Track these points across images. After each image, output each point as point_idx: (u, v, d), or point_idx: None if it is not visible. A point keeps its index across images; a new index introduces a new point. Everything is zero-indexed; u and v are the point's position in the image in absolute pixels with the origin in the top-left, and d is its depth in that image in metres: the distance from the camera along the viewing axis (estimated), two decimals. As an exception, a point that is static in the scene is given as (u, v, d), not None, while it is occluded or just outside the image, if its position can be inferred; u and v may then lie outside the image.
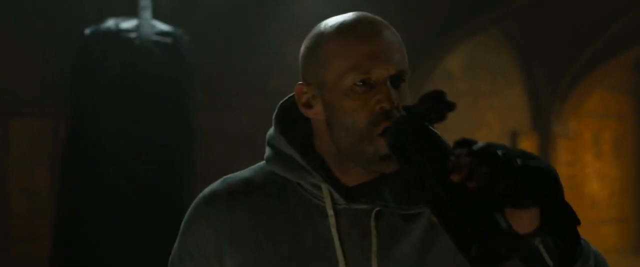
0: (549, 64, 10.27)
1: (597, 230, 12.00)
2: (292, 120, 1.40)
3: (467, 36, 8.62)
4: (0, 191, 5.58)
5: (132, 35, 3.03)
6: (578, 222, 1.20)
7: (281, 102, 1.42)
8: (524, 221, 1.12)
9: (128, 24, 3.06)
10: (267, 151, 1.40)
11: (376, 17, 1.37)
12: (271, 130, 1.41)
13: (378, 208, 1.32)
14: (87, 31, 3.05)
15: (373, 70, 1.30)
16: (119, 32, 3.02)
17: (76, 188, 3.04)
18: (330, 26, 1.34)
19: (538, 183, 1.10)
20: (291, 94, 1.41)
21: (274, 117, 1.41)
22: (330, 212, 1.33)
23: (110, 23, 3.07)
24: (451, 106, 1.19)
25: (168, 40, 3.09)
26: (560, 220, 1.20)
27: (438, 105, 1.19)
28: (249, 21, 6.70)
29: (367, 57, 1.30)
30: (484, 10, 8.18)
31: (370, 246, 1.32)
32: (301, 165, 1.35)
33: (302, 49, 1.38)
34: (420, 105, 1.20)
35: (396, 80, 1.33)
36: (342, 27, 1.33)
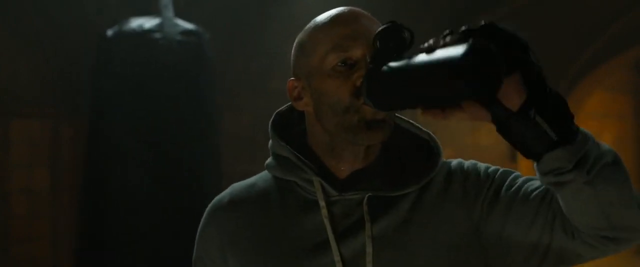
0: (549, 64, 10.23)
1: (597, 230, 12.01)
2: (288, 125, 1.50)
3: (467, 36, 8.63)
4: (0, 191, 5.58)
5: (157, 35, 3.02)
6: (563, 100, 1.30)
7: (277, 110, 1.52)
8: (510, 91, 1.23)
9: (151, 23, 3.05)
10: (268, 159, 1.49)
11: (360, 10, 1.44)
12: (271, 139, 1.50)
13: (369, 194, 1.39)
14: (110, 32, 3.04)
15: (352, 50, 1.37)
16: (142, 32, 3.01)
17: (98, 189, 3.04)
18: (315, 21, 1.44)
19: (507, 47, 1.20)
20: (288, 103, 1.51)
21: (270, 123, 1.50)
22: (322, 203, 1.39)
23: (133, 23, 3.06)
24: (408, 36, 1.37)
25: (192, 39, 3.08)
26: (544, 91, 1.30)
27: (396, 37, 1.35)
28: (249, 21, 6.70)
29: (346, 37, 1.38)
30: (483, 10, 8.19)
31: (364, 230, 1.37)
32: (295, 163, 1.42)
33: (293, 47, 1.48)
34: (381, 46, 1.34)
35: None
36: (324, 18, 1.43)
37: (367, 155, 1.42)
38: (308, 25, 1.45)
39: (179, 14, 4.38)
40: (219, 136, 3.19)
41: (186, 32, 3.10)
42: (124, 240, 2.98)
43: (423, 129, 1.48)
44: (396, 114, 1.44)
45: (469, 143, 9.61)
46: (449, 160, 1.48)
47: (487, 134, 9.99)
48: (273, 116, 1.51)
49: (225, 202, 1.49)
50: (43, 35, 5.69)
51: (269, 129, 1.48)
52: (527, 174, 1.41)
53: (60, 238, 5.79)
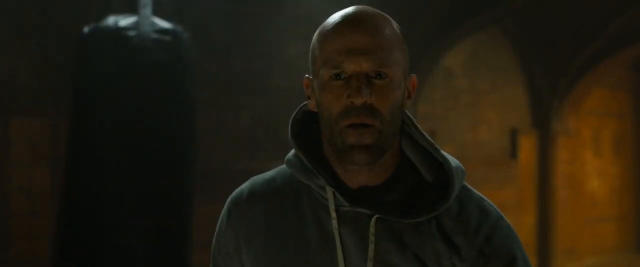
0: (549, 62, 10.27)
1: (596, 228, 12.00)
2: (305, 125, 1.46)
3: (467, 34, 8.63)
4: (0, 189, 5.59)
5: (131, 33, 3.01)
6: None
7: (301, 105, 1.47)
8: None
9: (127, 21, 3.04)
10: (289, 154, 1.46)
11: (370, 12, 1.37)
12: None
13: (377, 215, 1.36)
14: (86, 29, 3.04)
15: (344, 65, 1.32)
16: (118, 30, 3.00)
17: (77, 188, 3.03)
18: (324, 23, 1.39)
19: None
20: None
21: (290, 120, 1.46)
22: (333, 214, 1.37)
23: (109, 21, 3.06)
24: None
25: (167, 37, 3.07)
26: None
27: None
28: (249, 20, 6.70)
29: (340, 51, 1.32)
30: (484, 8, 8.18)
31: (367, 251, 1.36)
32: (308, 168, 1.40)
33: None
34: None
35: (372, 76, 1.33)
36: (329, 23, 1.37)
37: (376, 172, 1.38)
38: (321, 25, 1.40)
39: (177, 14, 4.38)
40: (197, 134, 3.17)
41: (162, 31, 3.08)
42: (101, 237, 2.98)
43: (440, 151, 1.41)
44: (417, 131, 1.40)
45: (469, 139, 9.61)
46: (474, 192, 1.44)
47: (488, 130, 10.00)
48: (294, 113, 1.47)
49: (244, 197, 1.48)
50: (43, 33, 5.69)
51: (289, 127, 1.45)
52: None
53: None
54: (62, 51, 5.74)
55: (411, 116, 1.42)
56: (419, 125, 1.42)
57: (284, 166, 1.48)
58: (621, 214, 12.88)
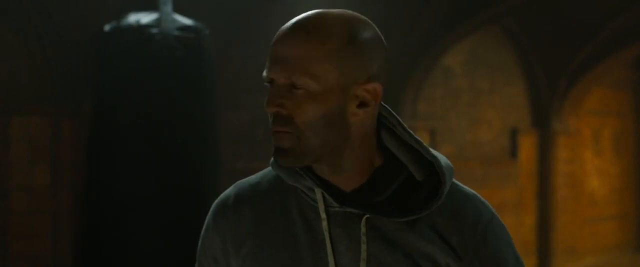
0: (549, 61, 10.27)
1: (597, 227, 12.00)
2: None
3: (467, 33, 8.62)
4: (0, 188, 5.59)
5: (153, 30, 3.00)
6: None
7: None
8: None
9: (148, 18, 3.02)
10: (273, 158, 1.44)
11: (312, 19, 1.35)
12: None
13: (367, 215, 1.35)
14: (107, 27, 3.02)
15: (270, 72, 1.35)
16: (139, 28, 2.98)
17: (98, 185, 3.02)
18: None
19: None
20: None
21: None
22: (323, 215, 1.37)
23: (131, 18, 3.04)
24: None
25: (190, 35, 3.06)
26: None
27: None
28: (248, 19, 6.70)
29: (269, 58, 1.36)
30: (483, 7, 8.18)
31: (360, 252, 1.36)
32: (294, 170, 1.39)
33: None
34: None
35: (294, 86, 1.33)
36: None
37: (346, 176, 1.38)
38: None
39: (179, 11, 4.37)
40: (218, 131, 3.17)
41: (184, 28, 3.07)
42: (123, 236, 2.97)
43: (430, 150, 1.40)
44: (404, 130, 1.39)
45: (469, 138, 9.61)
46: (465, 190, 1.43)
47: (488, 129, 10.00)
48: None
49: (230, 203, 1.47)
50: (43, 32, 5.69)
51: None
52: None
53: (60, 235, 5.80)
54: (62, 50, 5.74)
55: (396, 116, 1.41)
56: (405, 124, 1.41)
57: (269, 169, 1.48)
58: (621, 213, 12.88)
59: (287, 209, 1.42)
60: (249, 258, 1.42)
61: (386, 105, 1.42)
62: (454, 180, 1.43)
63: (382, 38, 1.38)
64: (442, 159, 1.41)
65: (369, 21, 1.38)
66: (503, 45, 10.14)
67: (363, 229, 1.36)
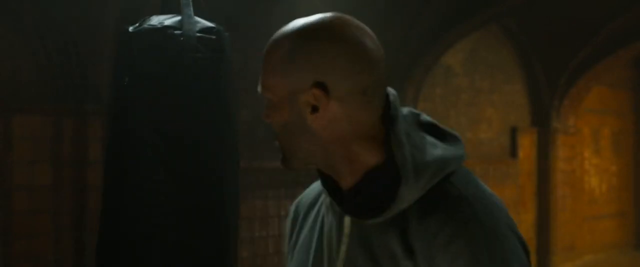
0: (549, 60, 10.29)
1: (596, 225, 12.03)
2: None
3: (467, 32, 8.64)
4: (2, 187, 5.60)
5: (177, 32, 3.02)
6: None
7: None
8: None
9: (171, 20, 3.05)
10: None
11: (288, 29, 1.41)
12: None
13: (348, 217, 1.40)
14: (131, 28, 3.04)
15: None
16: (163, 29, 3.01)
17: (120, 187, 3.03)
18: None
19: None
20: None
21: None
22: (329, 215, 1.45)
23: (153, 20, 3.07)
24: None
25: (211, 36, 3.08)
26: None
27: None
28: (250, 17, 6.72)
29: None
30: (483, 6, 8.20)
31: (340, 251, 1.40)
32: (319, 171, 1.47)
33: None
34: None
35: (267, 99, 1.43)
36: None
37: (338, 177, 1.41)
38: None
39: (179, 12, 4.38)
40: (238, 133, 3.20)
41: (206, 30, 3.10)
42: (141, 236, 2.99)
43: (400, 151, 1.36)
44: (398, 129, 1.37)
45: (469, 137, 9.63)
46: (458, 190, 1.35)
47: (487, 128, 10.02)
48: None
49: (298, 201, 1.59)
50: (45, 31, 5.71)
51: None
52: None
53: (61, 234, 5.81)
54: (64, 49, 5.76)
55: (400, 114, 1.40)
56: (403, 125, 1.39)
57: None
58: (620, 211, 12.91)
59: (319, 208, 1.50)
60: (293, 249, 1.54)
61: (394, 102, 1.41)
62: (458, 178, 1.38)
63: (348, 39, 1.36)
64: (431, 155, 1.37)
65: (329, 25, 1.38)
66: (503, 44, 10.16)
67: (346, 230, 1.39)
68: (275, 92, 1.39)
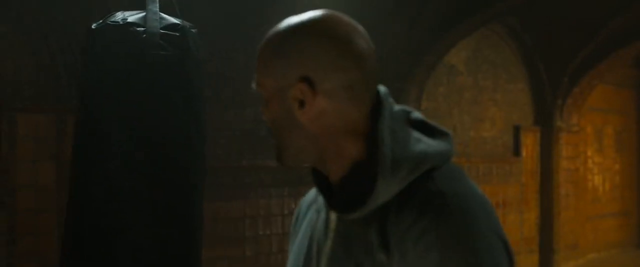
0: (552, 59, 10.28)
1: (599, 224, 12.02)
2: None
3: (468, 32, 8.64)
4: (6, 185, 5.61)
5: (139, 28, 3.01)
6: None
7: None
8: None
9: (135, 17, 3.04)
10: None
11: (281, 26, 1.43)
12: None
13: (331, 212, 1.43)
14: (94, 25, 3.04)
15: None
16: (126, 26, 3.00)
17: (83, 185, 3.03)
18: None
19: None
20: None
21: None
22: (321, 210, 1.48)
23: (117, 16, 3.06)
24: None
25: (176, 33, 3.07)
26: None
27: None
28: (252, 16, 6.72)
29: None
30: (486, 5, 8.19)
31: (325, 247, 1.42)
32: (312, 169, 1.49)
33: None
34: None
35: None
36: None
37: (328, 171, 1.42)
38: None
39: (180, 12, 4.39)
40: (205, 130, 3.17)
41: (170, 26, 3.08)
42: (106, 231, 2.97)
43: (381, 146, 1.35)
44: (380, 124, 1.36)
45: (472, 136, 9.63)
46: (440, 185, 1.33)
47: (491, 127, 10.01)
48: None
49: (302, 200, 1.63)
50: (47, 30, 5.72)
51: None
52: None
53: (65, 232, 5.82)
54: (68, 48, 5.77)
55: (389, 110, 1.40)
56: (389, 122, 1.38)
57: None
58: (623, 210, 12.90)
59: (316, 206, 1.52)
60: (290, 248, 1.58)
61: (384, 99, 1.40)
62: (453, 176, 1.36)
63: (336, 35, 1.37)
64: (416, 148, 1.36)
65: (318, 21, 1.39)
66: (506, 43, 10.15)
67: (332, 226, 1.41)
68: (266, 88, 1.43)
